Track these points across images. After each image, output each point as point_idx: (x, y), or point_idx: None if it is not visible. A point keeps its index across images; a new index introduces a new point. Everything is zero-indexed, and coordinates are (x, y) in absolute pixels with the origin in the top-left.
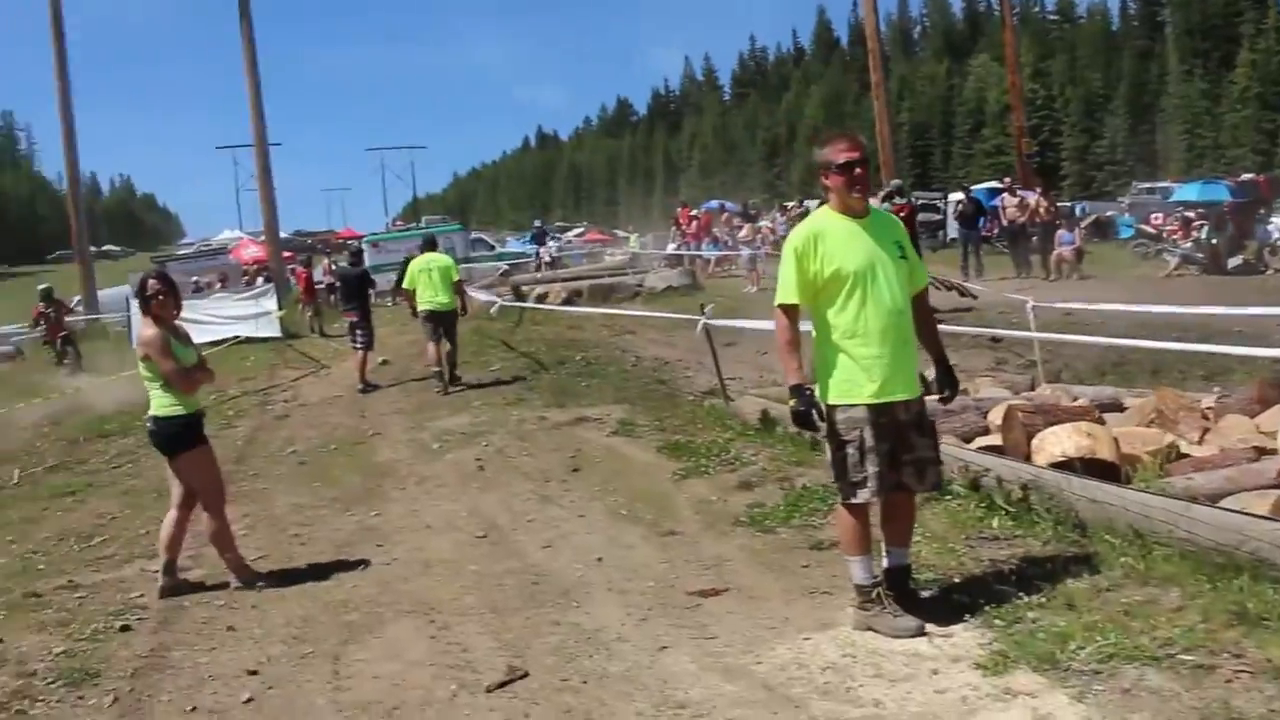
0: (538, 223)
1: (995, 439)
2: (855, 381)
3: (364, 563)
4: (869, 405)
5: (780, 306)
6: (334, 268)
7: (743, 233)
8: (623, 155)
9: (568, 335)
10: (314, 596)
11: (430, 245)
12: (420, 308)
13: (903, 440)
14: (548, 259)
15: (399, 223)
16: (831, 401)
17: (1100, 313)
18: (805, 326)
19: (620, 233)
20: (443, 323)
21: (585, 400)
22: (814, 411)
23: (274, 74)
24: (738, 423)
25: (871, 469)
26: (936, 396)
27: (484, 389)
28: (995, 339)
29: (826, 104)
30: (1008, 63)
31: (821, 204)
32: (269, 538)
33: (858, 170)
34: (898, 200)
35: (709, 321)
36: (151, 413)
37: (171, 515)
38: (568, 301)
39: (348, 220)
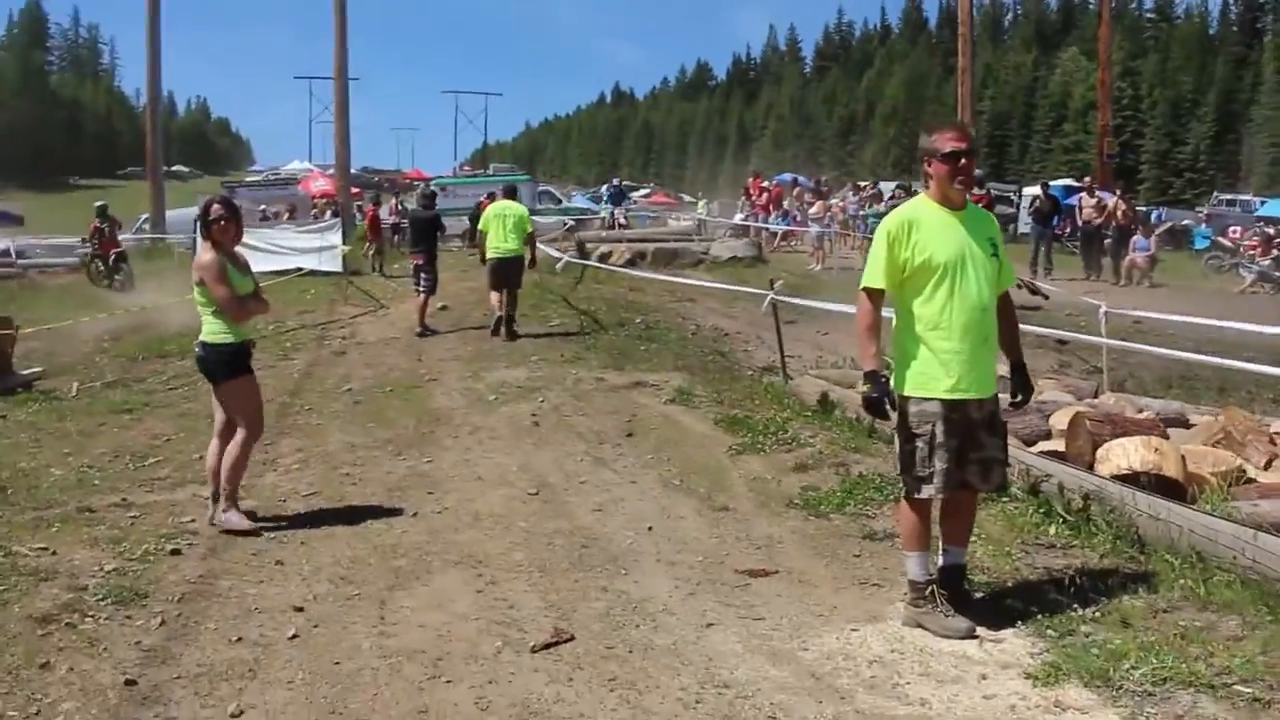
0: (616, 180)
1: (1058, 444)
2: (932, 375)
3: (415, 509)
4: (943, 400)
5: (865, 290)
6: (400, 208)
7: (813, 209)
8: (697, 119)
9: (629, 297)
10: (364, 538)
11: (511, 194)
12: (489, 254)
13: (972, 438)
14: (622, 220)
15: (466, 168)
16: (906, 393)
17: (1171, 324)
18: (885, 313)
19: (687, 197)
20: (509, 270)
21: (643, 365)
22: (887, 400)
23: (356, 6)
24: (796, 402)
25: (939, 464)
26: (1009, 400)
27: (540, 342)
28: (1062, 341)
29: (908, 85)
30: (1099, 58)
31: (895, 189)
32: (321, 475)
33: (963, 161)
34: (975, 191)
35: (777, 297)
36: (201, 338)
37: (214, 445)
38: (630, 263)
39: (415, 161)
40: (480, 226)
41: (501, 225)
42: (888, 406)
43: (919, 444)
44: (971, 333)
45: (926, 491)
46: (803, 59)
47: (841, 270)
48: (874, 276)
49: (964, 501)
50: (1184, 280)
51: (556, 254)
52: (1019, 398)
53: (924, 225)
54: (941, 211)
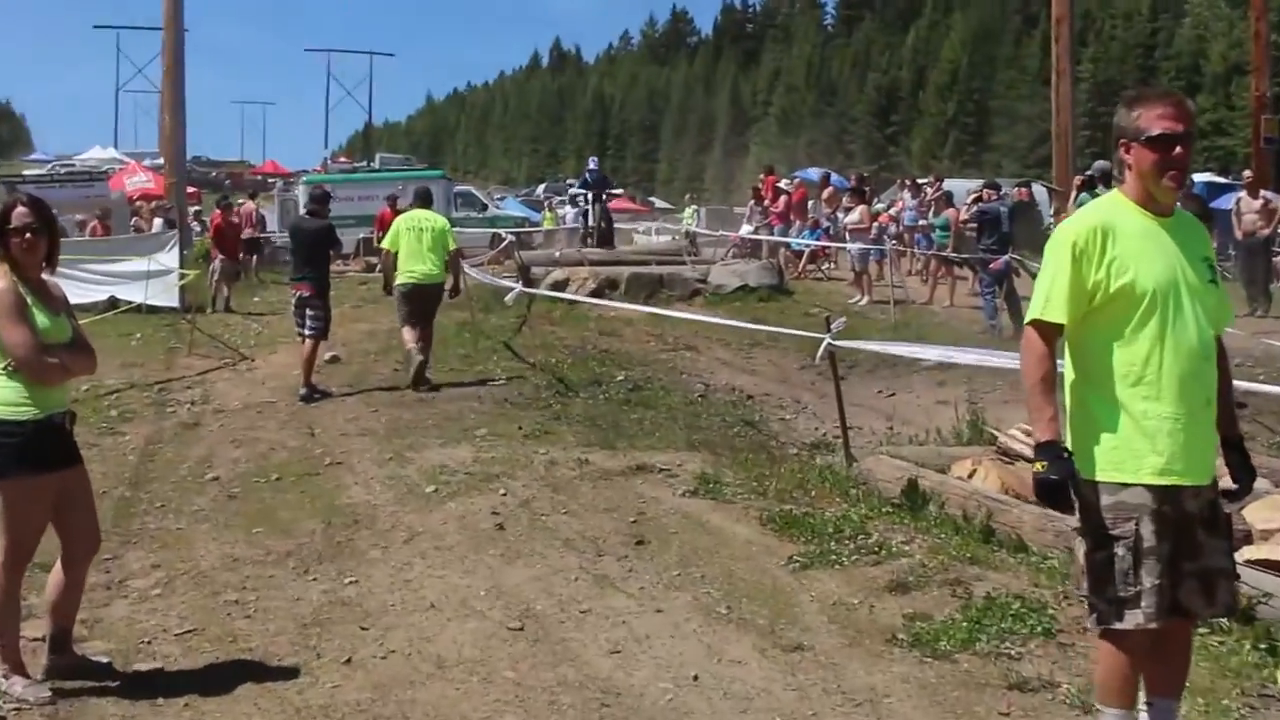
0: (594, 163)
1: (1268, 550)
2: (1134, 451)
3: (346, 653)
4: (1150, 487)
5: (1036, 324)
6: (257, 215)
7: (852, 216)
8: (672, 90)
9: (599, 343)
10: (279, 699)
11: (425, 199)
12: (399, 279)
13: (1188, 541)
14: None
15: (343, 159)
16: (1096, 477)
17: None
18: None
19: (660, 202)
20: (425, 301)
21: (642, 441)
22: (1071, 485)
23: None
24: (870, 493)
25: (1149, 580)
26: (1223, 488)
27: (485, 409)
28: (1239, 404)
29: (972, 42)
30: (1252, 1)
31: (982, 190)
32: (197, 604)
33: (1178, 149)
34: (1102, 190)
35: (836, 344)
36: None
37: (55, 571)
38: (597, 293)
39: (269, 150)
40: (386, 243)
41: (416, 241)
42: (1071, 495)
43: (1118, 550)
44: (1189, 391)
45: (1131, 619)
46: (822, 5)
47: (899, 305)
48: (1051, 305)
49: (1177, 634)
50: None
51: (502, 283)
52: (1238, 485)
53: (1123, 235)
54: (1144, 217)
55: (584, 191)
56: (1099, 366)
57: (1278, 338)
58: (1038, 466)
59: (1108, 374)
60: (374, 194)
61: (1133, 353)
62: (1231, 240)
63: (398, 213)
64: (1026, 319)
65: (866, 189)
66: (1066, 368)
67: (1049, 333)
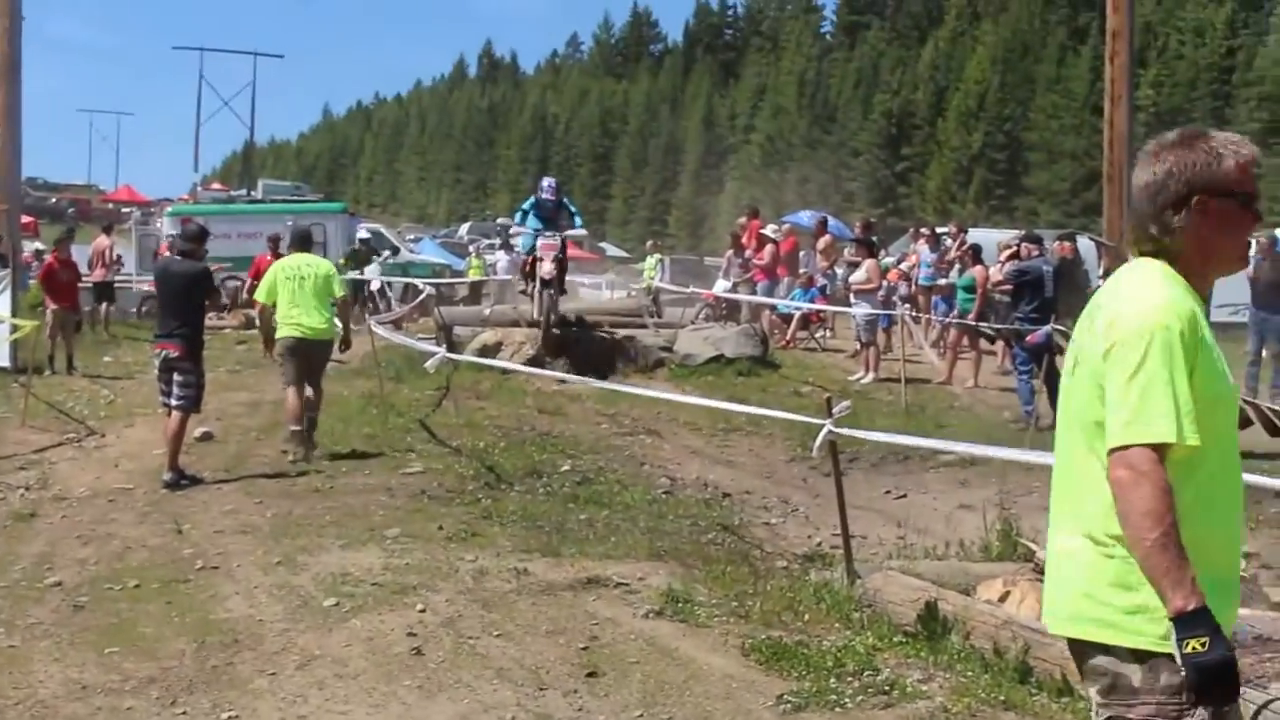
0: (550, 184)
1: None
2: (1218, 602)
3: None
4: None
5: (1149, 448)
6: (111, 256)
7: (858, 274)
8: (631, 110)
9: (539, 424)
10: None
11: (305, 242)
12: (281, 333)
13: None
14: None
15: (215, 186)
16: (1162, 647)
17: None
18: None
19: (613, 249)
20: (311, 357)
21: (593, 547)
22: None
23: None
24: (875, 618)
25: None
26: None
27: (398, 503)
28: None
29: (1004, 59)
30: None
31: (1017, 244)
32: None
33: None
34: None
35: (838, 431)
36: None
37: None
38: (536, 362)
39: (123, 172)
40: (260, 295)
41: (297, 290)
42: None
43: None
44: (1242, 519)
45: None
46: (819, 8)
47: (911, 384)
48: (1170, 421)
49: None
50: None
51: (420, 345)
52: None
53: (1203, 326)
54: (1197, 303)
55: (531, 229)
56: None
57: None
58: (1194, 645)
59: (1186, 505)
60: (256, 230)
61: (1206, 473)
62: None
63: (279, 258)
64: (1129, 440)
65: (875, 239)
66: (1110, 507)
67: (1160, 457)
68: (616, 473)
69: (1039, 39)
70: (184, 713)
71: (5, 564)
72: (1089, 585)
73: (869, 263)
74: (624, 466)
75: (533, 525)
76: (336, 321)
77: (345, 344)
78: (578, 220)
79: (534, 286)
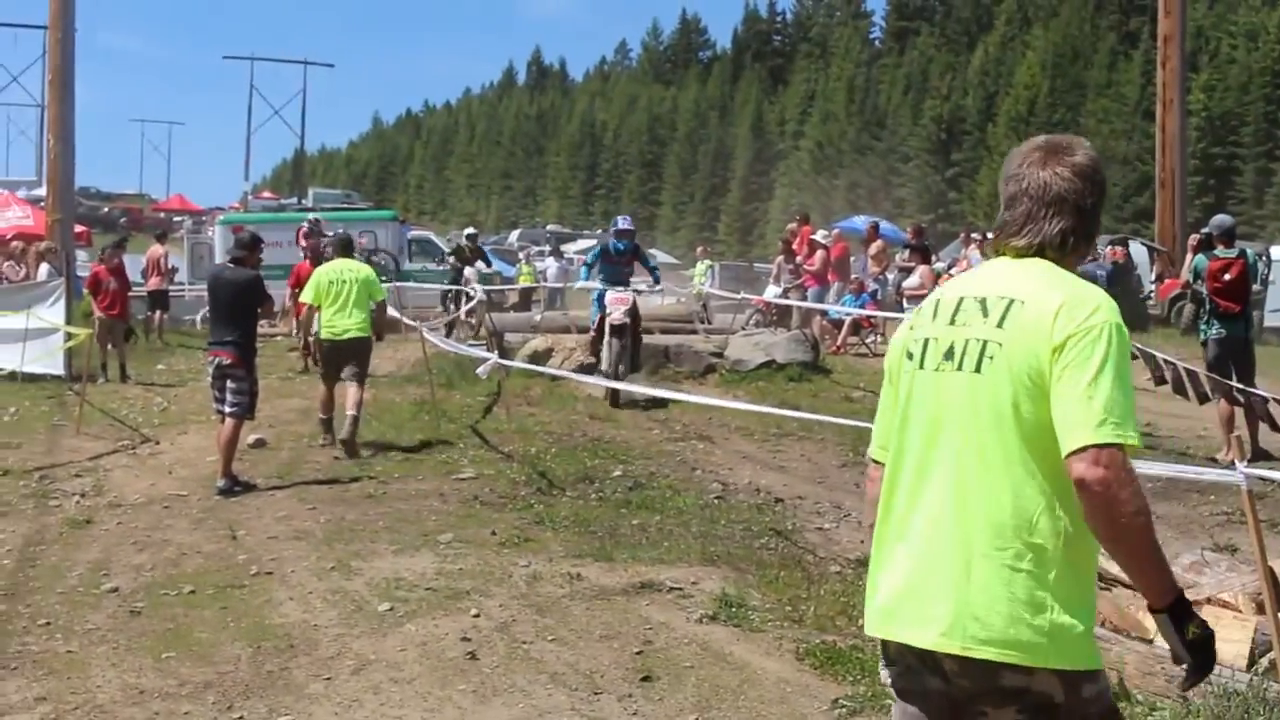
0: (623, 222)
1: None
2: (1091, 628)
3: None
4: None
5: (1121, 448)
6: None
7: (912, 279)
8: (679, 117)
9: (591, 429)
10: None
11: (346, 248)
12: (323, 335)
13: None
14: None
15: (266, 194)
16: (1078, 665)
17: None
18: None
19: (661, 254)
20: (350, 357)
21: (646, 552)
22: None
23: None
24: None
25: None
26: None
27: (450, 507)
28: None
29: (1055, 63)
30: None
31: (1141, 244)
32: None
33: None
34: (1221, 252)
35: None
36: None
37: None
38: (588, 369)
39: (174, 182)
40: (306, 296)
41: (337, 294)
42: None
43: None
44: None
45: None
46: (868, 15)
47: None
48: (1132, 418)
49: None
50: None
51: (473, 351)
52: None
53: None
54: None
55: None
56: (1078, 515)
57: None
58: (1193, 630)
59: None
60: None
61: None
62: None
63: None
64: (1110, 439)
65: (929, 244)
66: (1043, 511)
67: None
68: (668, 478)
69: (1089, 44)
70: (240, 718)
71: (62, 570)
72: (1006, 605)
73: (923, 268)
74: (675, 472)
75: (585, 530)
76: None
77: (379, 336)
78: (656, 273)
79: (603, 342)
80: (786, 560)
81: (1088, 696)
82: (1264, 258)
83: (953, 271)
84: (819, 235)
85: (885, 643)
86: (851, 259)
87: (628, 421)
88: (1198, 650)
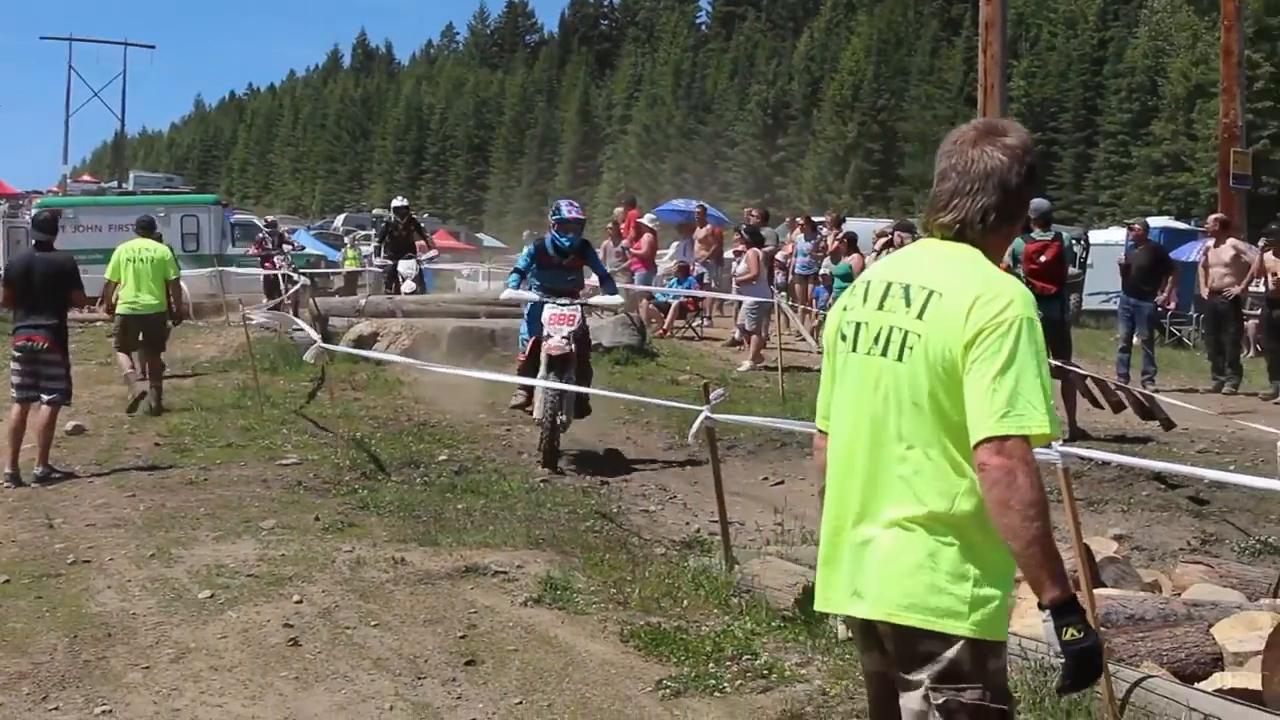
0: (568, 206)
1: (1245, 677)
2: (1006, 598)
3: None
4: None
5: (1024, 439)
6: None
7: (742, 266)
8: (506, 101)
9: (417, 412)
10: None
11: (147, 229)
12: (119, 309)
13: None
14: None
15: (86, 178)
16: (991, 636)
17: None
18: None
19: (488, 239)
20: (144, 330)
21: (471, 536)
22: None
23: None
24: (755, 603)
25: None
26: None
27: (273, 493)
28: (1198, 500)
29: (879, 49)
30: (1222, 8)
31: (892, 232)
32: None
33: None
34: (1037, 235)
35: (715, 417)
36: None
37: None
38: (413, 353)
39: None
40: (109, 273)
41: (134, 271)
42: None
43: None
44: None
45: None
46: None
47: (789, 372)
48: (1042, 409)
49: None
50: None
51: (308, 335)
52: None
53: None
54: None
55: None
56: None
57: (1251, 418)
58: (1071, 632)
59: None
60: (127, 222)
61: None
62: (1195, 299)
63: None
64: (1012, 431)
65: (754, 224)
66: (965, 492)
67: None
68: (494, 462)
69: (913, 30)
70: (56, 708)
71: None
72: (931, 575)
73: (750, 254)
74: (502, 456)
75: (410, 515)
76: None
77: (174, 316)
78: (610, 281)
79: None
80: (611, 543)
81: (991, 670)
82: (1081, 241)
83: (779, 256)
84: (647, 219)
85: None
86: (675, 244)
87: (456, 400)
88: (1074, 655)
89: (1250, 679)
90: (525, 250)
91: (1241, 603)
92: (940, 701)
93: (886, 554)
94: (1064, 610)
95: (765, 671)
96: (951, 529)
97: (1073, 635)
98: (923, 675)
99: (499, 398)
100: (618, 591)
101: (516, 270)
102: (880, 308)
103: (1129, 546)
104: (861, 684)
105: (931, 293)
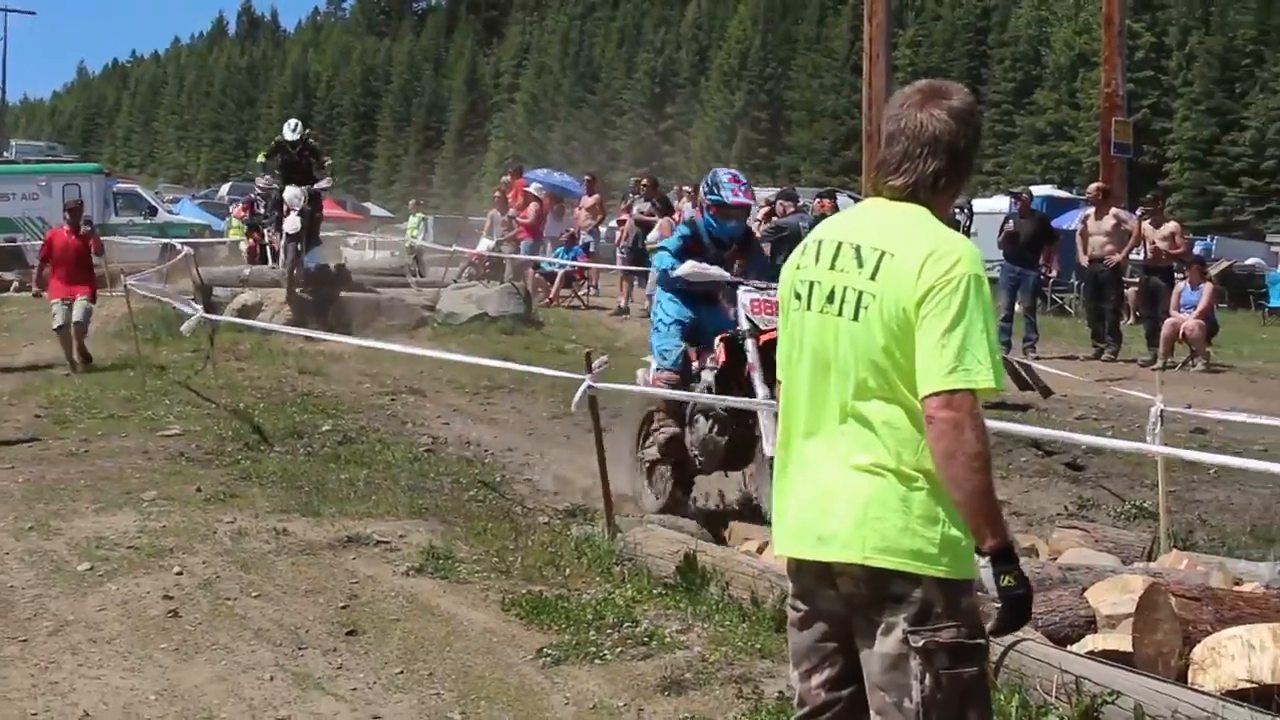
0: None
1: (1116, 639)
2: (968, 538)
3: None
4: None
5: (970, 393)
6: None
7: (654, 234)
8: (394, 69)
9: (300, 384)
10: None
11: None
12: None
13: None
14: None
15: None
16: (962, 575)
17: (1268, 430)
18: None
19: (375, 208)
20: None
21: (354, 506)
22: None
23: None
24: (637, 571)
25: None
26: None
27: (155, 464)
28: (1074, 466)
29: (765, 18)
30: None
31: (776, 201)
32: None
33: None
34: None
35: (598, 386)
36: None
37: None
38: (298, 322)
39: None
40: None
41: None
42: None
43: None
44: None
45: None
46: None
47: None
48: (987, 364)
49: None
50: (1254, 358)
51: (180, 307)
52: None
53: None
54: None
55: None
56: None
57: (1129, 384)
58: (1008, 580)
59: None
60: (9, 191)
61: None
62: (1076, 267)
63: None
64: (959, 385)
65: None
66: (913, 443)
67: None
68: (378, 432)
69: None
70: None
71: None
72: (902, 519)
73: (661, 221)
74: (386, 426)
75: (292, 485)
76: None
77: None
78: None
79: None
80: (494, 512)
81: (964, 607)
82: (965, 210)
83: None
84: (533, 188)
85: (790, 561)
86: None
87: (338, 375)
88: (1010, 601)
89: (1122, 641)
90: (677, 231)
91: (1116, 566)
92: (920, 644)
93: (860, 498)
94: (1002, 558)
95: (646, 639)
96: (921, 473)
97: (1009, 582)
98: (897, 618)
99: (382, 367)
100: (500, 560)
101: (665, 249)
102: (832, 267)
103: (1007, 512)
104: (741, 650)
105: (884, 253)
